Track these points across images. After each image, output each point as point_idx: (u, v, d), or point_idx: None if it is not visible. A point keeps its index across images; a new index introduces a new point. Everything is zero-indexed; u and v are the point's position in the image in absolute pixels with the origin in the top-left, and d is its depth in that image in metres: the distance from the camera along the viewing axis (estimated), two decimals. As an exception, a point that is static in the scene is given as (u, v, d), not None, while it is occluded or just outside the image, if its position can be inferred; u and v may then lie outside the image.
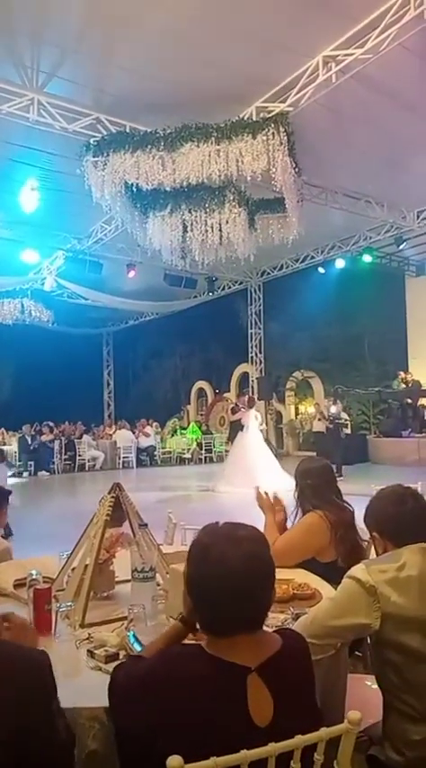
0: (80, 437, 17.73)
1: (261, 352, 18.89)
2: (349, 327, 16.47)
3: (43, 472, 16.14)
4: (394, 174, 11.02)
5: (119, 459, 17.46)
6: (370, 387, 16.85)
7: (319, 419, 14.99)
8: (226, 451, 17.95)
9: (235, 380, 20.12)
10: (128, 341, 23.56)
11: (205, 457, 18.32)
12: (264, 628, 1.51)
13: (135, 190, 9.25)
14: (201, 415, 21.29)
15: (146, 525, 2.39)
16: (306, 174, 9.59)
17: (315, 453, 12.64)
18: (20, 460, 16.16)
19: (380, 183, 11.71)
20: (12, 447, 16.59)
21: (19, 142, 9.00)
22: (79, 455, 17.07)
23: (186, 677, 1.34)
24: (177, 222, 9.62)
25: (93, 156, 8.71)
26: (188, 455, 18.51)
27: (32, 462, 16.16)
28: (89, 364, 23.56)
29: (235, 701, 1.32)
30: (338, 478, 3.37)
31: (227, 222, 9.42)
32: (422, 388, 15.75)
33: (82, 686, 1.71)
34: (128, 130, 8.88)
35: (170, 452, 18.84)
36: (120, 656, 1.83)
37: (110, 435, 18.43)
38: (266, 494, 3.18)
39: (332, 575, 2.47)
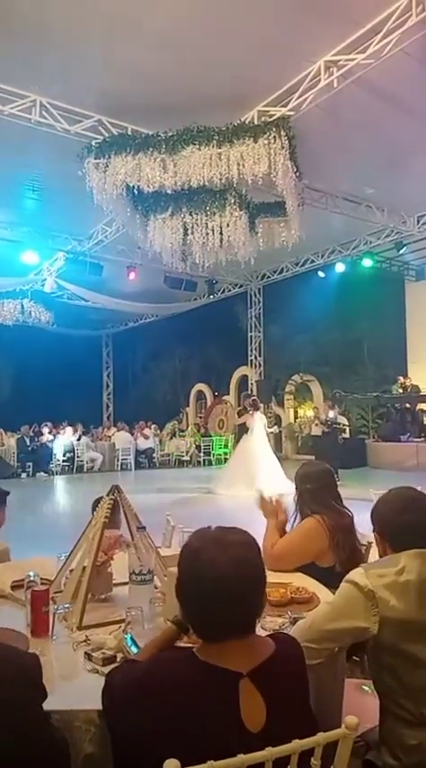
0: (79, 438, 17.71)
1: (260, 356, 18.89)
2: (348, 331, 16.48)
3: (42, 473, 16.12)
4: (395, 178, 11.03)
5: (118, 461, 17.45)
6: (369, 391, 16.84)
7: (316, 423, 15.00)
8: (225, 454, 18.00)
9: (234, 383, 20.12)
10: (127, 343, 23.57)
11: (203, 460, 18.31)
12: (261, 632, 1.51)
13: (136, 192, 9.26)
14: (200, 417, 21.28)
15: (144, 528, 2.39)
16: (307, 177, 9.60)
17: (313, 457, 12.65)
18: (18, 461, 16.14)
19: (381, 187, 11.72)
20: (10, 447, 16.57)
21: (20, 144, 9.00)
22: (78, 456, 17.05)
23: (178, 683, 1.34)
24: (178, 225, 9.63)
25: (95, 158, 8.72)
26: (186, 458, 18.51)
27: (31, 463, 16.14)
28: (88, 366, 23.55)
29: (227, 707, 1.31)
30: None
31: (228, 225, 9.43)
32: (421, 394, 15.74)
33: (79, 688, 1.71)
34: (129, 133, 8.90)
35: (168, 455, 18.82)
36: (118, 659, 1.83)
37: (109, 437, 18.42)
38: (270, 498, 3.18)
39: (331, 579, 2.47)
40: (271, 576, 2.08)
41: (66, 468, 16.92)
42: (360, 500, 4.02)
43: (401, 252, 14.91)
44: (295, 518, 3.10)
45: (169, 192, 9.03)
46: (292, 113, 8.37)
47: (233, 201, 9.39)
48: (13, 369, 21.34)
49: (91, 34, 7.00)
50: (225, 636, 1.39)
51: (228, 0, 6.56)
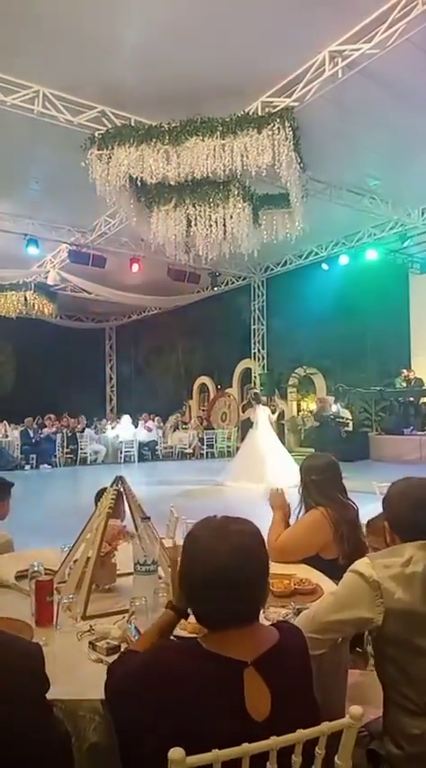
0: (82, 431, 17.75)
1: (263, 349, 18.86)
2: (352, 324, 16.41)
3: (45, 465, 16.17)
4: (400, 170, 10.98)
5: (121, 453, 17.48)
6: (373, 384, 16.80)
7: (308, 416, 15.04)
8: (228, 447, 18.03)
9: (237, 376, 20.09)
10: (130, 335, 23.57)
11: (206, 452, 18.34)
12: (264, 622, 1.51)
13: (139, 184, 9.22)
14: (203, 410, 21.29)
15: (148, 518, 2.39)
16: (311, 169, 9.56)
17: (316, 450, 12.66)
18: (22, 453, 16.18)
19: (385, 179, 11.67)
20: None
21: (23, 135, 8.97)
22: (81, 449, 17.09)
23: (182, 672, 1.34)
24: (181, 217, 9.60)
25: (98, 150, 8.69)
26: (189, 450, 18.53)
27: (34, 455, 16.19)
28: (92, 358, 23.58)
29: (232, 696, 1.32)
30: None
31: (231, 217, 9.40)
32: (424, 388, 15.72)
33: (83, 678, 1.72)
34: (132, 124, 8.86)
35: (171, 447, 18.86)
36: (122, 649, 1.83)
37: (112, 428, 18.45)
38: (280, 490, 3.18)
39: (335, 571, 2.46)
40: (275, 568, 2.08)
41: (70, 460, 16.96)
42: (364, 492, 4.03)
43: (405, 244, 14.84)
44: (299, 510, 3.10)
45: (172, 183, 9.01)
46: (296, 104, 8.32)
47: (236, 193, 9.36)
48: (16, 361, 21.35)
49: (94, 25, 6.96)
50: (227, 624, 1.39)
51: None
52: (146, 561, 2.18)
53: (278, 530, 3.00)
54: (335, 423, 15.01)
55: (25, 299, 16.32)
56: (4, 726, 1.25)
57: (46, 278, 15.97)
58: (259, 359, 18.84)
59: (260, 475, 10.84)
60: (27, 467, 15.90)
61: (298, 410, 19.29)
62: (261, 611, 1.50)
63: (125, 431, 17.95)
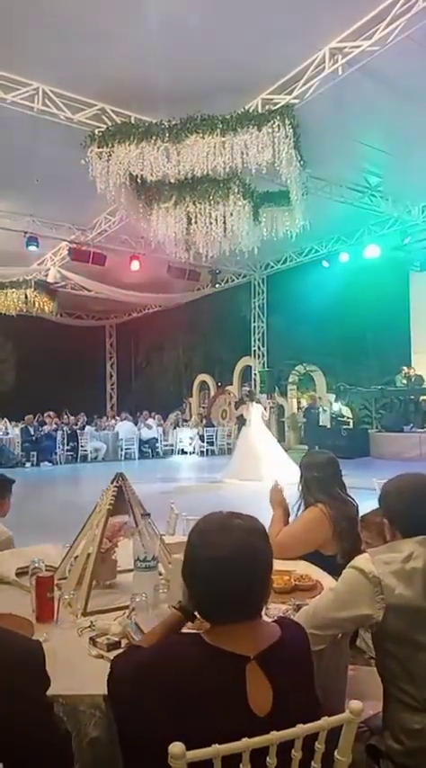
0: (83, 428, 17.77)
1: (263, 346, 18.86)
2: (352, 321, 16.44)
3: (46, 462, 16.18)
4: (400, 167, 10.97)
5: (122, 450, 17.50)
6: (373, 381, 16.84)
7: (299, 410, 15.08)
8: (229, 445, 18.04)
9: (237, 374, 20.11)
10: (131, 333, 23.57)
11: (207, 449, 18.35)
12: (265, 618, 1.52)
13: (139, 181, 9.23)
14: (203, 407, 21.30)
15: (148, 515, 2.39)
16: (311, 166, 9.55)
17: (316, 447, 12.67)
18: (22, 451, 16.20)
19: (385, 176, 11.66)
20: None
21: (23, 132, 8.96)
22: (81, 446, 17.10)
23: (185, 666, 1.35)
24: (181, 214, 9.60)
25: (98, 147, 8.69)
26: (190, 447, 18.55)
27: (35, 453, 16.20)
28: (92, 356, 23.58)
29: (234, 690, 1.32)
30: None
31: (232, 214, 9.40)
32: (423, 387, 15.78)
33: (84, 674, 1.72)
34: (133, 121, 8.86)
35: (172, 445, 18.88)
36: (122, 645, 1.84)
37: (113, 426, 18.47)
38: (281, 489, 3.19)
39: (335, 567, 2.47)
40: (275, 564, 2.08)
41: (70, 457, 16.98)
42: (363, 489, 4.03)
43: (405, 242, 14.82)
44: (299, 506, 3.10)
45: (172, 181, 9.02)
46: (296, 101, 8.32)
47: (236, 191, 9.36)
48: (16, 359, 21.37)
49: (94, 21, 6.95)
50: (230, 619, 1.39)
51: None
52: (147, 557, 2.18)
53: (278, 526, 3.01)
54: (311, 415, 15.20)
55: (25, 296, 16.31)
56: (4, 725, 1.25)
57: (46, 276, 15.97)
58: (259, 356, 18.84)
59: (256, 472, 10.87)
60: (28, 464, 15.93)
61: (299, 407, 19.30)
62: (264, 606, 1.50)
63: (126, 429, 17.97)
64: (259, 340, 18.87)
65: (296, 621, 1.65)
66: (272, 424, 16.21)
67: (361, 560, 1.82)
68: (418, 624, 1.72)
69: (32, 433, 16.52)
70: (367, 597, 1.75)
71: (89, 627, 2.01)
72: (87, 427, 17.95)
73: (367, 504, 3.15)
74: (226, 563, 1.38)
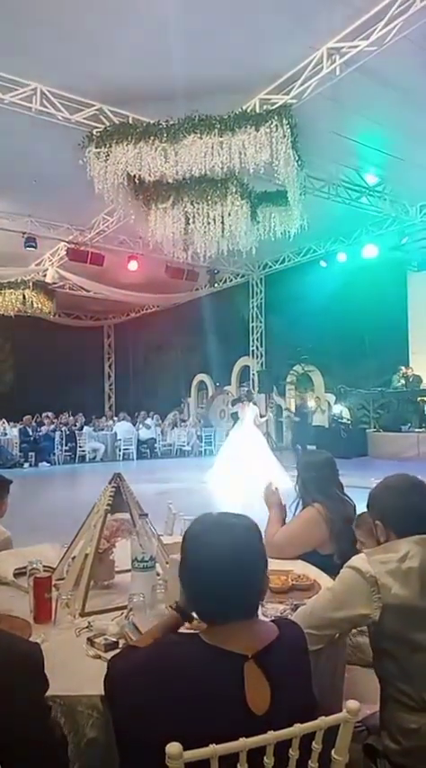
0: (81, 428, 17.77)
1: (262, 346, 18.86)
2: (350, 321, 16.42)
3: (44, 463, 16.17)
4: (398, 167, 10.97)
5: (120, 451, 17.49)
6: (371, 381, 16.85)
7: (287, 416, 15.08)
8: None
9: (235, 374, 20.11)
10: (129, 333, 23.55)
11: (205, 449, 18.35)
12: (263, 618, 1.52)
13: (137, 181, 9.22)
14: (202, 407, 21.30)
15: (146, 515, 2.40)
16: (309, 166, 9.55)
17: (315, 446, 12.67)
18: (20, 451, 16.19)
19: (383, 176, 11.67)
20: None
21: (21, 133, 8.95)
22: (80, 446, 17.09)
23: (183, 666, 1.35)
24: (179, 214, 9.60)
25: (96, 147, 8.68)
26: (188, 447, 18.55)
27: (33, 453, 16.19)
28: (90, 356, 23.57)
29: (233, 689, 1.32)
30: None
31: (230, 214, 9.40)
32: (423, 389, 15.83)
33: (81, 674, 1.72)
34: (130, 121, 8.85)
35: (170, 445, 18.87)
36: (120, 645, 1.84)
37: (111, 426, 18.47)
38: (277, 489, 3.19)
39: (333, 567, 2.48)
40: (273, 564, 2.09)
41: (68, 457, 16.97)
42: (361, 488, 4.04)
43: (403, 242, 14.83)
44: (297, 506, 3.11)
45: (170, 181, 9.01)
46: (294, 101, 8.32)
47: (234, 191, 9.35)
48: (14, 359, 21.34)
49: (91, 22, 6.94)
50: (228, 618, 1.40)
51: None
52: (144, 558, 2.18)
53: (275, 526, 3.01)
54: (302, 415, 15.27)
55: (24, 297, 16.30)
56: (2, 726, 1.25)
57: (44, 276, 15.96)
58: (257, 356, 18.84)
59: (243, 471, 10.85)
60: (26, 464, 15.92)
61: (307, 407, 19.31)
62: (260, 607, 1.51)
63: (124, 430, 17.97)
64: (257, 340, 18.87)
65: (293, 621, 1.65)
66: (271, 424, 16.25)
67: (358, 560, 1.82)
68: (414, 624, 1.73)
69: (31, 433, 16.51)
70: (363, 597, 1.75)
71: (87, 627, 2.01)
72: (85, 427, 17.95)
73: (364, 503, 3.15)
74: (223, 562, 1.39)
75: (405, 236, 14.45)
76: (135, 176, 8.97)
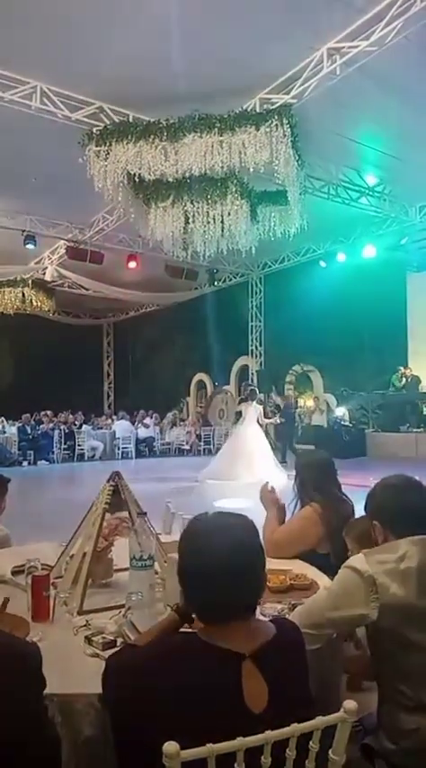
0: (80, 427, 17.76)
1: (261, 345, 18.87)
2: (349, 321, 16.43)
3: (43, 461, 16.17)
4: (398, 168, 10.97)
5: (119, 449, 17.49)
6: (370, 381, 16.88)
7: (272, 412, 15.03)
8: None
9: (234, 373, 20.10)
10: (128, 332, 23.55)
11: (204, 449, 18.35)
12: (261, 618, 1.52)
13: (137, 180, 9.22)
14: (201, 407, 21.29)
15: (144, 514, 2.39)
16: (309, 166, 9.56)
17: (313, 446, 12.67)
18: (19, 449, 16.18)
19: (383, 177, 11.68)
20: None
21: (21, 131, 8.94)
22: (78, 445, 17.09)
23: (180, 664, 1.35)
24: (179, 213, 9.59)
25: (96, 146, 8.68)
26: (187, 447, 18.55)
27: (32, 451, 16.18)
28: (89, 355, 23.57)
29: (230, 688, 1.33)
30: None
31: (229, 214, 9.39)
32: (423, 392, 15.86)
33: (79, 673, 1.73)
34: (130, 120, 8.84)
35: (169, 444, 18.87)
36: (118, 644, 1.84)
37: (110, 425, 18.46)
38: (273, 489, 3.19)
39: (331, 566, 2.47)
40: (271, 563, 2.09)
41: (67, 456, 16.96)
42: (360, 486, 4.04)
43: (402, 242, 14.84)
44: (295, 505, 3.11)
45: (170, 180, 9.01)
46: (294, 101, 8.32)
47: (234, 190, 9.34)
48: (13, 358, 21.32)
49: (92, 20, 6.94)
50: (226, 618, 1.40)
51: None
52: (142, 556, 2.18)
53: (272, 525, 3.01)
54: (288, 415, 15.31)
55: (23, 295, 16.29)
56: (2, 725, 1.25)
57: (43, 274, 15.96)
58: (256, 356, 18.85)
59: (244, 470, 10.83)
60: (25, 463, 15.90)
61: (295, 407, 19.30)
62: (258, 607, 1.51)
63: (123, 428, 17.96)
64: (256, 339, 18.87)
65: (291, 621, 1.65)
66: (267, 425, 16.21)
67: (356, 560, 1.82)
68: (412, 624, 1.72)
69: (29, 431, 16.50)
70: (361, 597, 1.75)
71: (85, 626, 2.01)
72: (84, 426, 17.94)
73: (362, 503, 3.15)
74: (221, 562, 1.39)
75: (405, 237, 14.46)
76: (135, 175, 8.96)
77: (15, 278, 16.16)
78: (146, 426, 18.55)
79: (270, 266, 17.71)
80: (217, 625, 1.40)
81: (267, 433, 13.31)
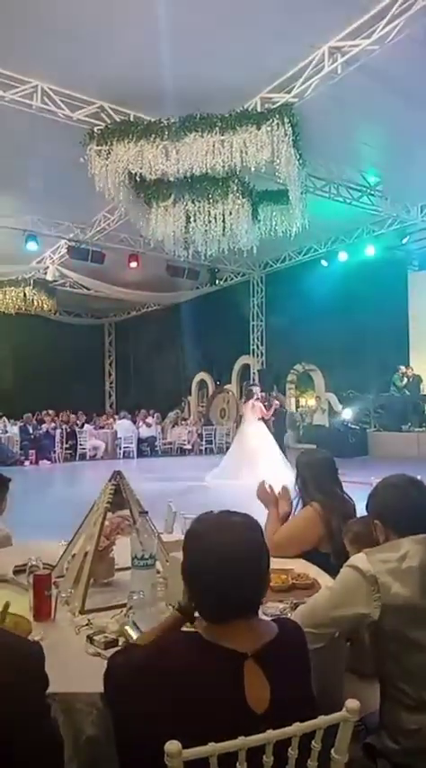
0: (81, 426, 17.77)
1: (262, 345, 18.87)
2: (350, 321, 16.41)
3: (44, 461, 16.18)
4: (399, 166, 10.96)
5: (120, 449, 17.50)
6: (371, 380, 16.85)
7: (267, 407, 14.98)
8: (228, 443, 18.01)
9: (236, 372, 20.10)
10: (129, 331, 23.56)
11: (205, 448, 18.36)
12: (263, 617, 1.52)
13: (138, 179, 9.22)
14: (202, 406, 21.29)
15: (146, 513, 2.39)
16: (310, 165, 9.55)
17: (315, 446, 12.65)
18: (21, 449, 16.19)
19: (385, 175, 11.66)
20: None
21: (22, 130, 8.95)
22: (80, 444, 17.10)
23: (183, 663, 1.35)
24: (180, 213, 9.59)
25: (97, 145, 8.68)
26: (188, 446, 18.56)
27: (34, 451, 16.19)
28: (91, 354, 23.59)
29: (232, 687, 1.32)
30: None
31: (231, 213, 9.39)
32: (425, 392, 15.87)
33: (81, 672, 1.72)
34: (132, 119, 8.84)
35: (171, 443, 18.88)
36: (119, 643, 1.84)
37: (111, 425, 18.47)
38: (271, 487, 3.18)
39: (333, 565, 2.47)
40: (273, 563, 2.08)
41: (69, 455, 16.97)
42: (361, 484, 4.04)
43: (404, 241, 14.83)
44: (297, 505, 3.10)
45: (171, 179, 9.01)
46: (295, 100, 8.32)
47: (235, 189, 9.35)
48: (15, 357, 21.34)
49: (93, 19, 6.94)
50: (230, 617, 1.40)
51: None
52: (144, 555, 2.18)
53: (274, 525, 3.01)
54: (280, 414, 15.33)
55: (24, 295, 16.32)
56: (1, 725, 1.25)
57: (45, 274, 15.97)
58: (257, 355, 18.84)
59: (249, 470, 10.81)
60: (26, 462, 15.90)
61: (297, 407, 19.30)
62: (260, 606, 1.51)
63: (124, 428, 17.97)
64: (258, 339, 18.87)
65: (293, 621, 1.65)
66: (270, 424, 16.20)
67: (358, 559, 1.82)
68: (414, 623, 1.72)
69: (31, 431, 16.50)
70: (363, 596, 1.75)
71: (86, 625, 2.01)
72: (86, 425, 17.94)
73: (364, 503, 3.15)
74: (225, 561, 1.39)
75: (406, 236, 14.43)
76: (136, 174, 8.96)
77: (17, 278, 16.19)
78: (148, 426, 18.55)
79: (271, 265, 17.70)
80: (219, 624, 1.40)
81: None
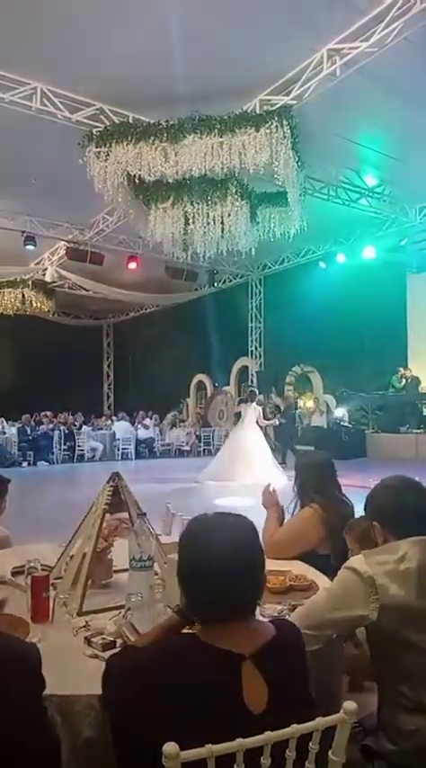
0: (80, 428, 17.76)
1: (260, 346, 18.88)
2: (349, 322, 16.43)
3: (42, 462, 16.16)
4: (398, 169, 10.98)
5: (119, 450, 17.49)
6: (370, 382, 16.87)
7: (270, 414, 15.00)
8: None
9: (234, 374, 20.10)
10: (128, 333, 23.57)
11: (204, 450, 18.35)
12: (261, 618, 1.52)
13: (137, 181, 9.23)
14: (201, 407, 21.28)
15: (144, 514, 2.39)
16: (309, 167, 9.56)
17: (313, 447, 12.65)
18: (19, 450, 16.17)
19: (383, 178, 11.68)
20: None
21: (21, 132, 8.95)
22: (78, 446, 17.08)
23: (180, 665, 1.35)
24: (179, 214, 9.61)
25: (96, 147, 8.69)
26: (187, 447, 18.55)
27: (32, 452, 16.18)
28: (89, 356, 23.58)
29: (230, 688, 1.32)
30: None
31: (229, 215, 9.41)
32: (423, 393, 15.86)
33: (79, 673, 1.72)
34: (130, 121, 8.86)
35: (169, 445, 18.87)
36: (117, 645, 1.84)
37: (110, 426, 18.46)
38: (274, 490, 3.19)
39: (331, 567, 2.47)
40: (271, 564, 2.09)
41: (67, 457, 16.95)
42: (359, 488, 4.04)
43: (402, 243, 14.84)
44: (295, 506, 3.11)
45: (170, 181, 9.03)
46: (294, 102, 8.33)
47: (234, 191, 9.37)
48: (13, 358, 21.32)
49: (92, 21, 6.95)
50: (226, 618, 1.40)
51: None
52: (142, 557, 2.18)
53: (272, 527, 3.01)
54: (289, 416, 15.34)
55: (23, 296, 16.31)
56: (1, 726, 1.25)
57: (43, 275, 15.96)
58: (256, 357, 18.85)
59: (242, 472, 10.82)
60: (24, 464, 15.89)
61: (296, 408, 19.29)
62: (257, 608, 1.51)
63: (122, 429, 17.97)
64: (256, 340, 18.88)
65: (291, 622, 1.65)
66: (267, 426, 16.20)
67: (356, 561, 1.82)
68: (412, 625, 1.72)
69: (29, 432, 16.49)
70: (361, 598, 1.75)
71: (84, 626, 2.01)
72: (84, 427, 17.93)
73: (362, 504, 3.16)
74: (221, 562, 1.39)
75: (404, 238, 14.45)
76: (135, 176, 8.98)
77: (15, 279, 16.18)
78: (146, 427, 18.55)
79: (269, 267, 17.72)
80: (216, 626, 1.40)
81: (266, 435, 13.30)
